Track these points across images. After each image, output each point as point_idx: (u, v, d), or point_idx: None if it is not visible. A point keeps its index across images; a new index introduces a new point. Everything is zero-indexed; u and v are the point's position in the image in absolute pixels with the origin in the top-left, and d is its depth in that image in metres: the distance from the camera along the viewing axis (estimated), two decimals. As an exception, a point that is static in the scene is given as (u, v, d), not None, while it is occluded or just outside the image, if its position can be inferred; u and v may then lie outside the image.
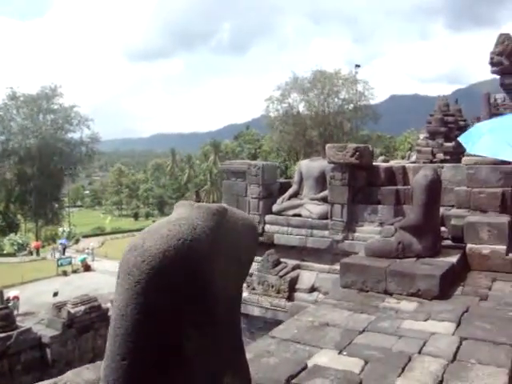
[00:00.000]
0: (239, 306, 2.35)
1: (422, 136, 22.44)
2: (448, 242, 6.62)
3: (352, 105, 50.21)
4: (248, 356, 3.57)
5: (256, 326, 9.15)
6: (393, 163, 12.64)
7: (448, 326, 4.41)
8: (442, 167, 8.43)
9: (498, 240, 6.19)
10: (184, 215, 2.03)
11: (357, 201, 8.80)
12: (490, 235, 6.23)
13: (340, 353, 3.91)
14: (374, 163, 9.40)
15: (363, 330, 4.36)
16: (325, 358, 3.80)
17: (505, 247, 6.15)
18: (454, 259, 5.82)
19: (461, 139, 4.96)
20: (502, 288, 5.61)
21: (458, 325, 4.44)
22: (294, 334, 4.31)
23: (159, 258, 1.85)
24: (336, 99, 50.25)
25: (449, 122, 21.73)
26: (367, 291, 5.44)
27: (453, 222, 6.73)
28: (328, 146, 8.93)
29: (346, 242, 8.76)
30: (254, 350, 3.95)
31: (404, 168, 8.82)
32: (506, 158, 4.51)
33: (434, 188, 5.73)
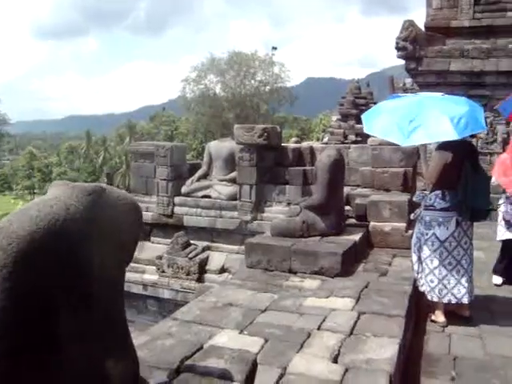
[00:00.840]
0: (122, 288, 2.25)
1: (334, 118, 22.97)
2: (353, 221, 6.80)
3: (268, 87, 50.40)
4: (145, 338, 3.50)
5: (167, 309, 9.07)
6: (305, 145, 12.82)
7: (348, 301, 4.52)
8: (349, 148, 8.64)
9: (399, 218, 6.42)
10: (57, 195, 1.89)
11: (265, 181, 8.88)
12: (391, 213, 6.44)
13: (241, 332, 3.91)
14: (284, 144, 9.49)
15: (265, 309, 4.39)
16: (225, 337, 3.78)
17: (405, 224, 6.39)
18: (356, 237, 5.97)
19: (362, 117, 4.94)
20: (401, 263, 5.83)
21: (358, 300, 4.56)
22: (197, 315, 4.26)
23: (27, 240, 1.71)
24: (252, 81, 50.23)
25: (360, 104, 22.35)
26: (272, 270, 5.48)
27: (357, 201, 6.91)
28: (236, 126, 8.92)
29: (255, 222, 8.83)
30: (154, 332, 3.86)
31: (311, 148, 8.97)
32: (393, 140, 4.54)
33: (337, 168, 5.83)
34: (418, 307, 5.19)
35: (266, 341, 3.71)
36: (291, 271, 5.41)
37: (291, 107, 53.69)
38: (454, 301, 4.83)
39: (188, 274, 8.99)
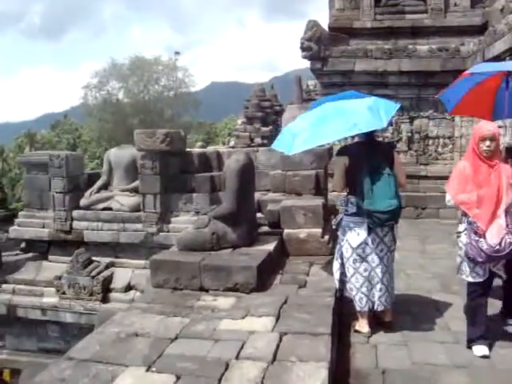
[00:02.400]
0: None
1: (240, 121, 22.72)
2: (265, 229, 6.39)
3: (173, 92, 49.64)
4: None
5: (70, 334, 8.27)
6: (211, 149, 12.36)
7: (267, 321, 4.08)
8: (257, 150, 8.26)
9: (314, 223, 6.08)
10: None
11: (170, 190, 8.31)
12: (305, 219, 6.09)
13: (148, 369, 3.34)
14: (189, 149, 8.96)
15: (176, 337, 3.85)
16: (129, 379, 3.21)
17: (320, 230, 6.07)
18: (271, 247, 5.55)
19: (275, 146, 4.77)
20: (319, 272, 5.48)
21: (278, 318, 4.13)
22: (96, 351, 3.64)
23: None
24: (156, 86, 49.25)
25: (265, 107, 22.26)
26: (181, 289, 4.94)
27: (269, 207, 6.50)
28: (136, 131, 8.30)
29: (162, 234, 8.24)
30: (43, 380, 3.24)
31: (218, 153, 8.51)
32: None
33: (247, 173, 5.39)
34: (340, 317, 4.87)
35: (178, 378, 3.19)
36: (203, 289, 4.90)
37: (196, 112, 53.09)
38: (374, 307, 4.64)
39: (91, 295, 8.23)
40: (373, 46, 11.53)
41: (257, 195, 7.36)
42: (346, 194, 4.70)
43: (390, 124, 11.11)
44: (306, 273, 5.44)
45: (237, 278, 4.77)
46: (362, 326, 4.66)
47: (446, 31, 11.92)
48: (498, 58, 8.87)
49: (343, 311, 5.03)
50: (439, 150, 11.70)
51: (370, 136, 4.58)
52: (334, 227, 4.89)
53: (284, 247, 6.05)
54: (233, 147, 17.33)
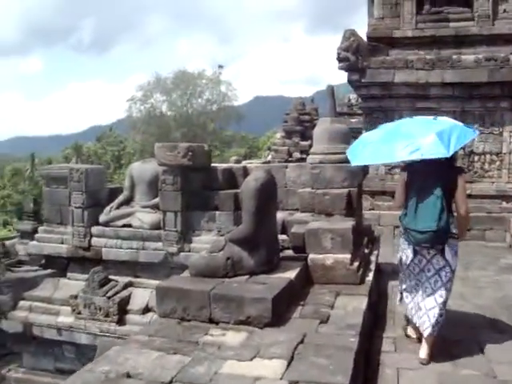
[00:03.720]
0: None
1: (278, 135, 22.25)
2: (289, 253, 5.85)
3: (216, 105, 49.81)
4: None
5: (86, 357, 7.86)
6: (244, 163, 11.91)
7: (277, 364, 3.53)
8: (286, 167, 7.74)
9: (342, 248, 5.50)
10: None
11: (192, 207, 7.84)
12: (333, 243, 5.52)
13: (131, 420, 2.87)
14: (215, 165, 8.51)
15: (171, 381, 3.35)
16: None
17: (349, 256, 5.48)
18: (292, 274, 5.00)
19: (347, 152, 4.84)
20: (346, 304, 4.88)
21: (290, 362, 3.58)
22: (80, 394, 3.20)
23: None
24: (199, 100, 49.61)
25: (305, 120, 21.74)
26: (189, 320, 4.45)
27: (293, 229, 5.96)
28: (157, 145, 7.88)
29: (182, 254, 7.77)
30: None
31: (245, 169, 8.01)
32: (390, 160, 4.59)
33: (267, 193, 4.86)
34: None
35: None
36: (212, 321, 4.39)
37: (239, 126, 53.12)
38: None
39: (107, 316, 7.83)
40: (414, 57, 10.89)
41: (283, 215, 6.85)
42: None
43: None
44: (331, 305, 4.85)
45: (249, 310, 4.25)
46: (413, 332, 4.81)
47: (495, 40, 11.17)
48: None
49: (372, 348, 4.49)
50: (485, 166, 10.92)
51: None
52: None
53: (308, 274, 5.48)
54: (268, 162, 16.87)
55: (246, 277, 4.80)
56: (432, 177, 4.30)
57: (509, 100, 10.65)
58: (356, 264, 5.49)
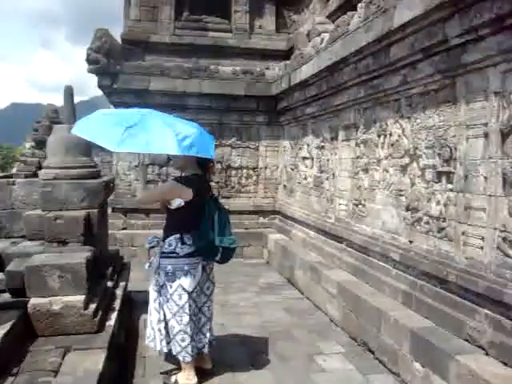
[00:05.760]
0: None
1: (28, 145, 19.88)
2: (6, 297, 4.48)
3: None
4: None
5: None
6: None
7: None
8: (13, 183, 6.26)
9: (74, 288, 4.33)
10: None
11: None
12: (62, 282, 4.31)
13: None
14: None
15: None
16: None
17: (83, 297, 4.32)
18: (2, 331, 3.69)
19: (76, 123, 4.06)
20: (76, 365, 3.68)
21: None
22: None
23: None
24: None
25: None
26: None
27: (10, 266, 4.60)
28: None
29: None
30: None
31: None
32: (104, 145, 3.65)
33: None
34: None
35: None
36: None
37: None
38: (203, 350, 4.43)
39: None
40: (171, 64, 10.15)
41: (4, 245, 5.41)
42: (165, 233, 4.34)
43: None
44: (55, 369, 3.64)
45: None
46: (190, 377, 4.22)
47: (251, 54, 11.03)
48: (305, 83, 8.04)
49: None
50: (243, 181, 10.65)
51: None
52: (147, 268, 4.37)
53: (30, 325, 4.19)
54: (10, 176, 14.66)
55: None
56: (208, 193, 4.47)
57: (264, 114, 10.55)
58: (93, 307, 4.36)
